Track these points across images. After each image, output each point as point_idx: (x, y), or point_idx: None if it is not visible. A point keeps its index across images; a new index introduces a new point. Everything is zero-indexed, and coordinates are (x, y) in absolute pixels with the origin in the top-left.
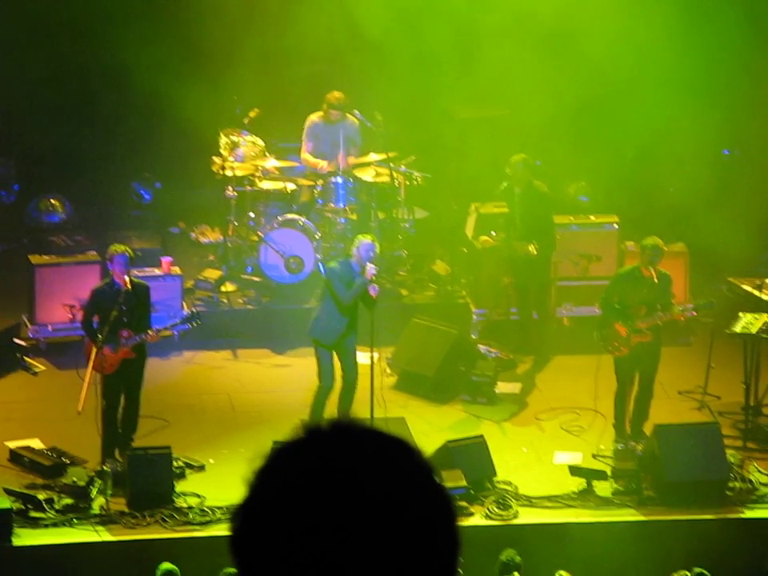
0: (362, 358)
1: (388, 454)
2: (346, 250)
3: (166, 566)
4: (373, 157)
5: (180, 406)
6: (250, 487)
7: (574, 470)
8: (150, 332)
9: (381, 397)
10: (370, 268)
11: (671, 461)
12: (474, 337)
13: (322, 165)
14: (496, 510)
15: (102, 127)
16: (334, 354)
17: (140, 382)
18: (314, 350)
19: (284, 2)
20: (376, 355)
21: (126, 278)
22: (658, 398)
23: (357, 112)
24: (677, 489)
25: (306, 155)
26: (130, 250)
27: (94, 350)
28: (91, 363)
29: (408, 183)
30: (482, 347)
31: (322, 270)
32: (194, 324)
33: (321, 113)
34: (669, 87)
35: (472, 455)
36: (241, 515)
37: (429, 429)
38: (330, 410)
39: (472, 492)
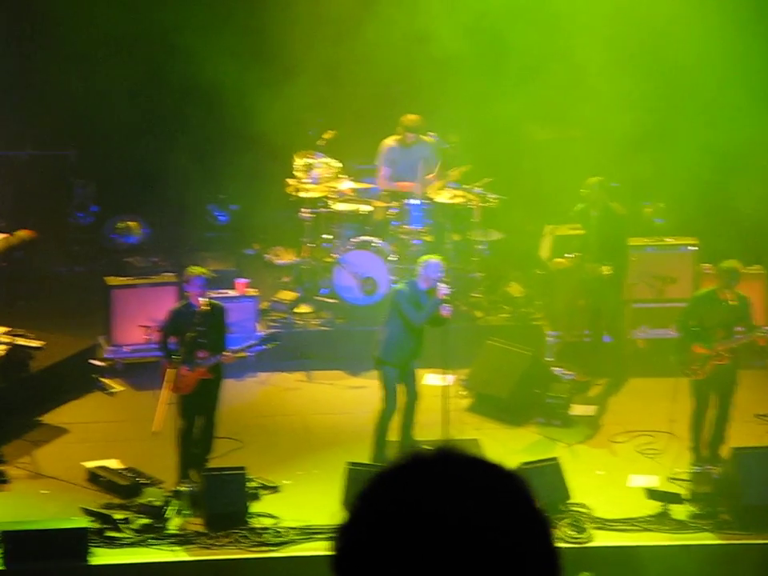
0: (435, 379)
1: (490, 480)
2: (414, 271)
3: None
4: (448, 178)
5: (255, 427)
6: (352, 510)
7: (650, 493)
8: (226, 353)
9: (455, 418)
10: (442, 288)
11: (748, 484)
12: (548, 359)
13: (407, 185)
14: (570, 532)
15: (178, 149)
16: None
17: (216, 403)
18: (380, 371)
19: (359, 23)
20: (451, 377)
21: (203, 300)
22: (735, 421)
23: (432, 134)
24: (754, 512)
25: (382, 181)
26: (207, 272)
27: (171, 370)
28: (168, 383)
29: (483, 205)
30: (556, 369)
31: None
32: (270, 345)
33: (396, 136)
34: (747, 107)
35: (546, 478)
36: (342, 538)
37: (503, 451)
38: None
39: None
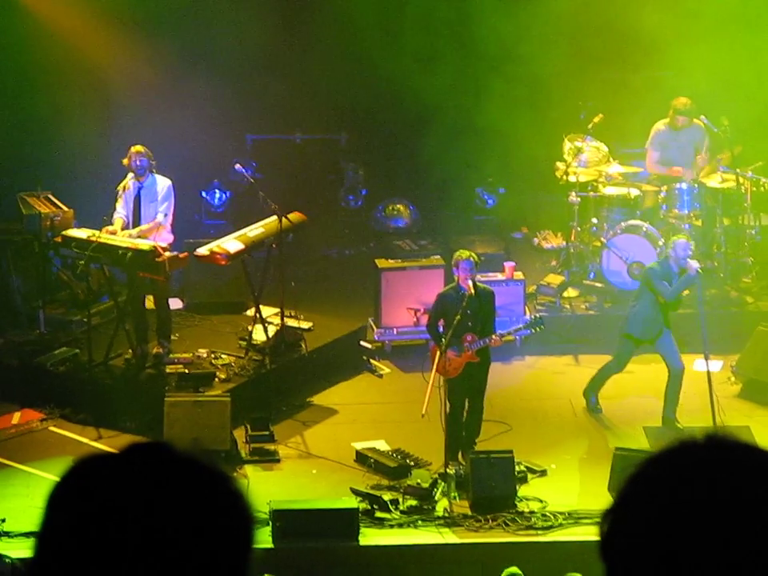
0: (704, 365)
1: (762, 467)
2: (664, 251)
3: (512, 570)
4: (719, 162)
5: (522, 411)
6: (620, 495)
7: None
8: (493, 336)
9: (725, 405)
10: (693, 264)
11: None
12: None
13: (678, 169)
14: None
15: (447, 132)
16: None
17: (483, 386)
18: (621, 341)
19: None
20: (720, 363)
21: (470, 283)
22: None
23: (703, 117)
24: None
25: (651, 165)
26: (474, 256)
27: (438, 353)
28: (435, 366)
29: (755, 189)
30: None
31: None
32: (537, 329)
33: (667, 120)
34: None
35: None
36: (609, 522)
37: None
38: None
39: None
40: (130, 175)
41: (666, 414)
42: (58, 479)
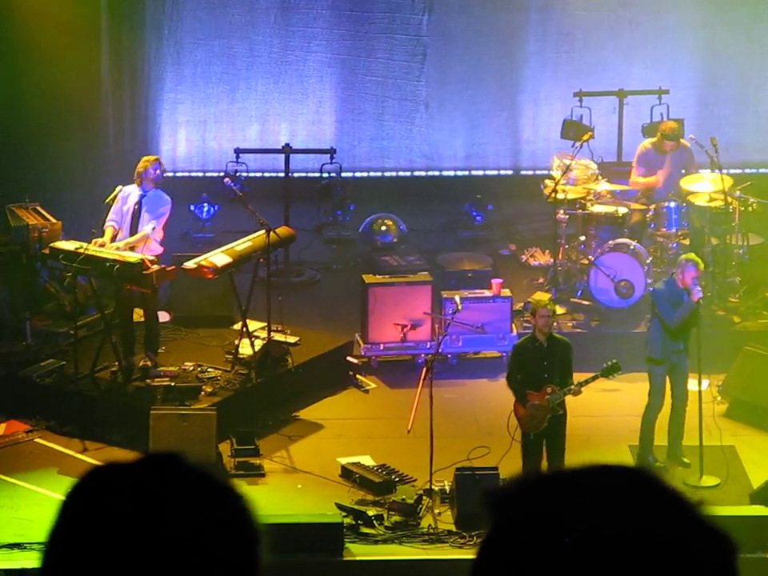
0: (691, 384)
1: (619, 487)
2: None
3: None
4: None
5: (506, 428)
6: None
7: None
8: (572, 387)
9: (712, 424)
10: (697, 291)
11: None
12: None
13: (656, 180)
14: None
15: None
16: (667, 373)
17: (563, 441)
18: (647, 367)
19: None
20: (706, 382)
21: (545, 332)
22: None
23: (692, 136)
24: None
25: (636, 179)
26: (552, 304)
27: (522, 407)
28: (421, 383)
29: (743, 209)
30: None
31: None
32: (614, 376)
33: (654, 139)
34: None
35: None
36: (483, 550)
37: (760, 458)
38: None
39: None
40: (131, 186)
41: (670, 442)
42: (70, 488)
